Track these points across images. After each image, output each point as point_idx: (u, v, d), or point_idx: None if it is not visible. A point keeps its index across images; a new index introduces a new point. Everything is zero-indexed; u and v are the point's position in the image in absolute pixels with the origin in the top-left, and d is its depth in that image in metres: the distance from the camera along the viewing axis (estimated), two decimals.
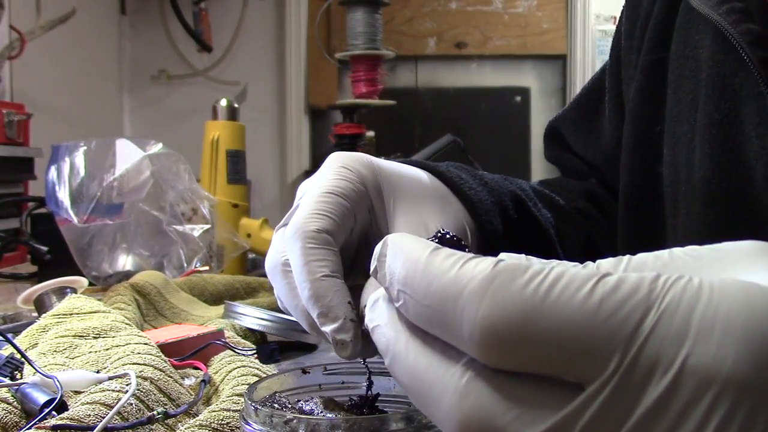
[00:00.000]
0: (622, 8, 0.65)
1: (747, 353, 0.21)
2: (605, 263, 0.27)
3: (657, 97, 0.55)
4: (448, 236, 0.29)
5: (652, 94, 0.56)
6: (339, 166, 0.43)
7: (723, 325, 0.22)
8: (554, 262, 0.24)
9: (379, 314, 0.28)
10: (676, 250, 0.27)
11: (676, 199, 0.52)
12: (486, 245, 0.46)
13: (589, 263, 0.27)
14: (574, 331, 0.22)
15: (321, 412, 0.38)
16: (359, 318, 0.37)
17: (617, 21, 0.67)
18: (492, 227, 0.47)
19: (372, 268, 0.28)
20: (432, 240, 0.28)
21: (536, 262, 0.24)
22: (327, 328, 0.37)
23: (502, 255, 0.28)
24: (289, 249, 0.39)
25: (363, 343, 0.36)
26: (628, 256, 0.27)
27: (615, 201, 0.67)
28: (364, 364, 0.41)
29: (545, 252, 0.53)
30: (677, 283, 0.23)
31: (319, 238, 0.39)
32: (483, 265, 0.24)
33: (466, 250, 0.28)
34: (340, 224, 0.40)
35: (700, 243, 0.47)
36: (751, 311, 0.22)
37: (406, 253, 0.26)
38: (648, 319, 0.22)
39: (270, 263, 0.42)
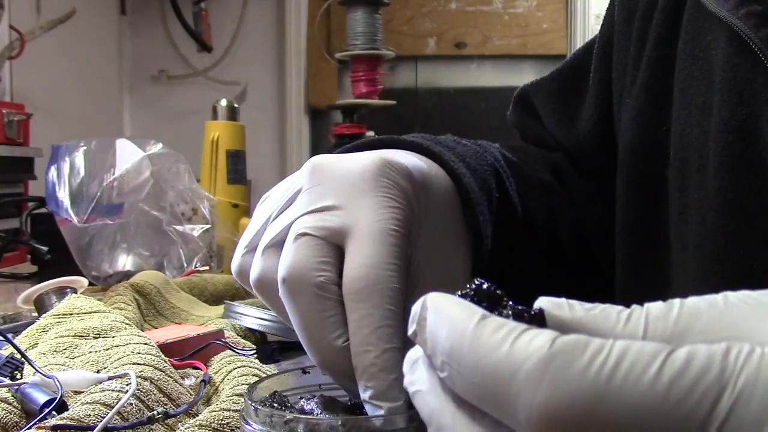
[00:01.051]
0: None
1: None
2: (654, 309, 0.25)
3: (663, 96, 0.53)
4: (484, 287, 0.27)
5: (658, 93, 0.54)
6: (392, 188, 0.39)
7: None
8: (616, 341, 0.22)
9: (419, 379, 0.26)
10: (730, 295, 0.25)
11: (686, 206, 0.50)
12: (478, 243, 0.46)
13: (636, 307, 0.25)
14: (643, 420, 0.20)
15: (321, 412, 0.38)
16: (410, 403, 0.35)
17: (608, 5, 0.64)
18: (485, 230, 0.47)
19: (411, 330, 0.26)
20: (469, 292, 0.27)
21: (596, 339, 0.22)
22: (384, 405, 0.35)
23: (541, 300, 0.26)
24: (359, 295, 0.36)
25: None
26: (679, 301, 0.25)
27: (580, 180, 0.65)
28: None
29: (510, 226, 0.52)
30: (751, 359, 0.21)
31: (397, 300, 0.36)
32: (537, 342, 0.22)
33: (505, 299, 0.26)
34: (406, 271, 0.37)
35: (716, 254, 0.47)
36: None
37: (450, 321, 0.24)
38: (722, 402, 0.20)
39: (300, 276, 0.37)
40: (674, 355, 0.21)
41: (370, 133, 2.67)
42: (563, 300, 0.26)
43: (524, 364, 0.22)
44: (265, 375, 0.56)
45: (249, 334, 0.81)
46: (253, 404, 0.37)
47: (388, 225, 0.37)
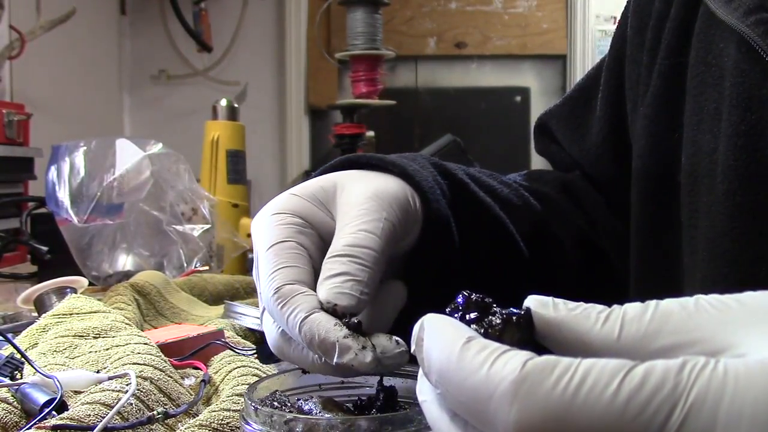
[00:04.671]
0: (627, 2, 0.63)
1: None
2: (631, 311, 0.27)
3: (675, 103, 0.54)
4: (473, 297, 0.29)
5: (670, 100, 0.55)
6: (265, 218, 0.44)
7: (750, 417, 0.22)
8: (582, 361, 0.24)
9: (423, 390, 0.29)
10: (702, 298, 0.27)
11: (696, 210, 0.51)
12: (425, 191, 0.47)
13: (615, 307, 0.27)
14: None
15: (320, 411, 0.38)
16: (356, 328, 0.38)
17: (620, 17, 0.66)
18: (422, 178, 0.48)
19: (412, 348, 0.29)
20: (458, 305, 0.29)
21: (564, 360, 0.24)
22: (345, 360, 0.37)
23: (529, 300, 0.29)
24: (270, 313, 0.41)
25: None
26: (654, 302, 0.27)
27: (596, 193, 0.67)
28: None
29: (492, 230, 0.54)
30: (703, 373, 0.23)
31: (285, 291, 0.39)
32: (512, 364, 0.24)
33: (493, 306, 0.29)
34: (295, 264, 0.41)
35: (725, 257, 0.48)
36: None
37: (441, 342, 0.27)
38: (675, 415, 0.22)
39: (273, 347, 0.42)
40: (632, 373, 0.23)
41: (370, 134, 2.67)
42: (549, 299, 0.28)
43: (500, 385, 0.24)
44: (265, 375, 0.56)
45: (249, 334, 0.81)
46: (253, 404, 0.37)
47: (264, 248, 0.43)
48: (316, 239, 0.43)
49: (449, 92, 3.79)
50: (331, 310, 0.38)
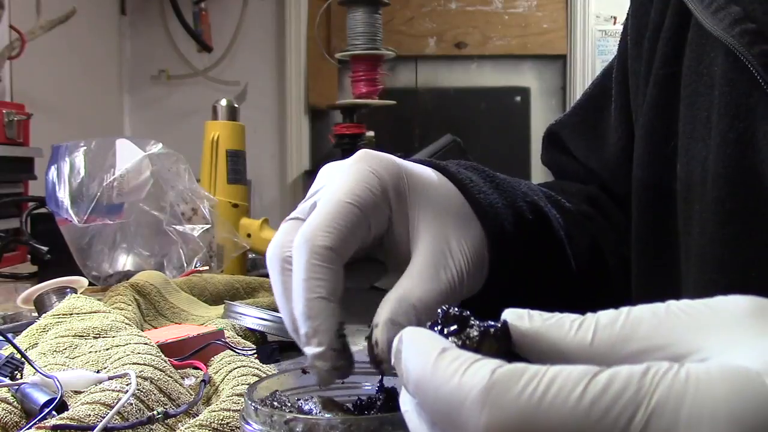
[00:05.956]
0: (627, 15, 0.64)
1: None
2: (604, 318, 0.28)
3: (670, 112, 0.55)
4: (451, 312, 0.30)
5: (665, 110, 0.55)
6: (364, 169, 0.42)
7: (709, 420, 0.23)
8: (549, 367, 0.25)
9: (404, 401, 0.30)
10: (673, 304, 0.28)
11: (689, 217, 0.51)
12: (498, 249, 0.46)
13: (589, 315, 0.28)
14: None
15: (320, 412, 0.38)
16: (343, 347, 0.38)
17: (623, 29, 0.66)
18: (501, 231, 0.47)
19: (391, 360, 0.30)
20: (439, 319, 0.30)
21: (532, 367, 0.25)
22: (309, 351, 0.38)
23: (506, 313, 0.30)
24: (294, 255, 0.40)
25: (337, 373, 0.38)
26: (627, 309, 0.28)
27: (616, 207, 0.67)
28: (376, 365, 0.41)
29: (556, 254, 0.53)
30: (665, 378, 0.24)
31: (326, 256, 0.39)
32: (481, 373, 0.25)
33: (471, 319, 0.30)
34: (351, 239, 0.40)
35: (715, 263, 0.48)
36: (736, 403, 0.23)
37: (417, 353, 0.28)
38: (637, 418, 0.23)
39: (273, 253, 0.42)
40: (597, 378, 0.24)
41: (370, 133, 2.67)
42: (525, 311, 0.30)
43: (470, 393, 0.25)
44: (265, 375, 0.56)
45: (249, 334, 0.81)
46: (253, 404, 0.37)
47: (341, 197, 0.40)
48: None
49: (449, 92, 3.79)
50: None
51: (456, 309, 0.30)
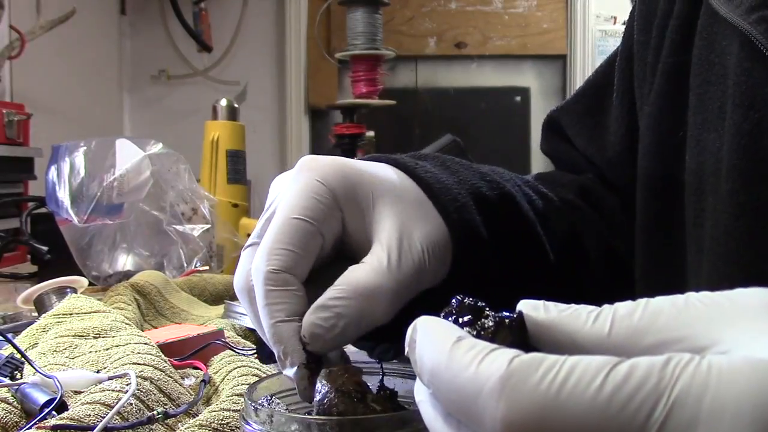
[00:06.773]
0: (633, 3, 0.64)
1: None
2: (621, 309, 0.27)
3: (679, 101, 0.54)
4: (466, 302, 0.30)
5: (674, 99, 0.55)
6: (309, 178, 0.42)
7: (732, 412, 0.22)
8: (567, 357, 0.25)
9: (419, 391, 0.29)
10: (692, 296, 0.27)
11: (702, 209, 0.51)
12: (456, 227, 0.46)
13: (606, 306, 0.28)
14: (588, 427, 0.23)
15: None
16: (315, 360, 0.39)
17: (629, 15, 0.65)
18: (458, 209, 0.47)
19: (405, 350, 0.29)
20: (452, 309, 0.30)
21: (551, 357, 0.24)
22: (286, 372, 0.39)
23: (521, 303, 0.29)
24: (254, 283, 0.41)
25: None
26: (645, 300, 0.27)
27: (611, 197, 0.66)
28: (378, 363, 0.42)
29: (527, 234, 0.53)
30: (686, 369, 0.23)
31: (280, 279, 0.40)
32: (498, 362, 0.25)
33: (486, 309, 0.29)
34: (305, 254, 0.41)
35: (728, 256, 0.48)
36: (759, 395, 0.22)
37: (432, 342, 0.27)
38: (658, 410, 0.23)
39: (238, 285, 0.43)
40: (617, 369, 0.24)
41: (370, 133, 2.67)
42: (540, 302, 0.29)
43: (487, 382, 0.25)
44: (265, 375, 0.56)
45: (249, 334, 0.81)
46: (253, 404, 0.37)
47: (288, 214, 0.41)
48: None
49: (449, 92, 3.79)
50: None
51: (470, 299, 0.30)
